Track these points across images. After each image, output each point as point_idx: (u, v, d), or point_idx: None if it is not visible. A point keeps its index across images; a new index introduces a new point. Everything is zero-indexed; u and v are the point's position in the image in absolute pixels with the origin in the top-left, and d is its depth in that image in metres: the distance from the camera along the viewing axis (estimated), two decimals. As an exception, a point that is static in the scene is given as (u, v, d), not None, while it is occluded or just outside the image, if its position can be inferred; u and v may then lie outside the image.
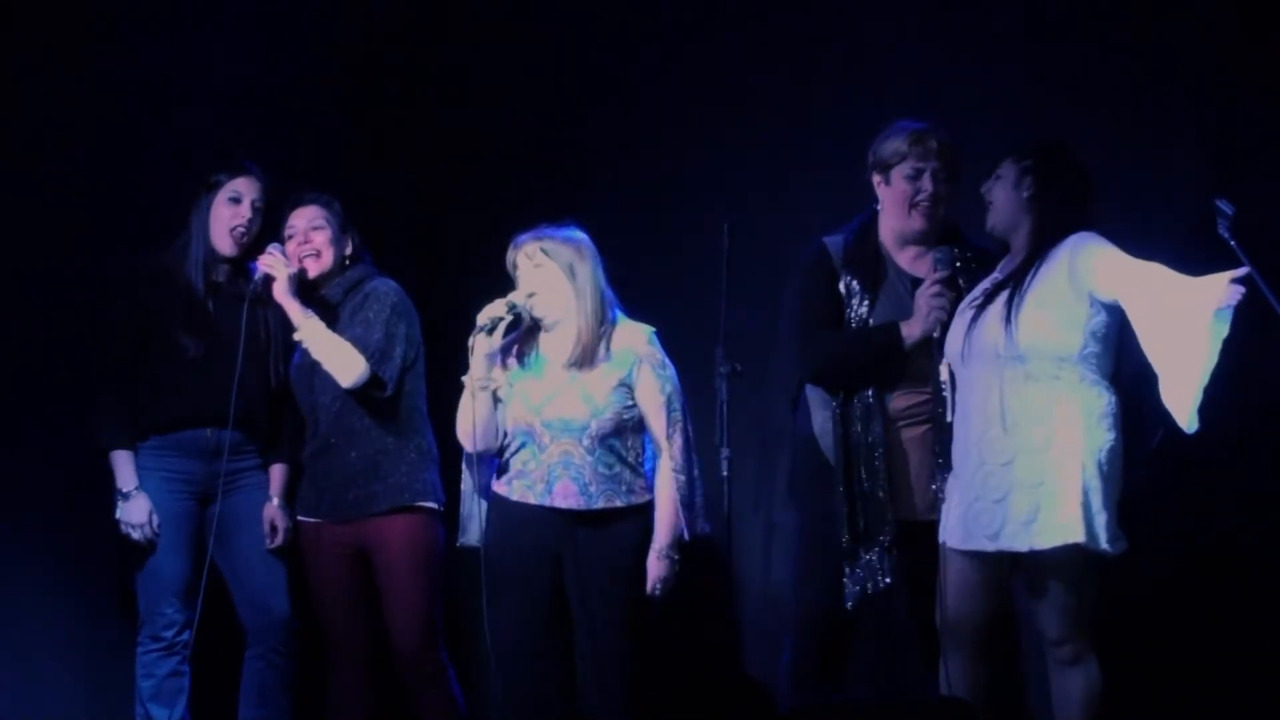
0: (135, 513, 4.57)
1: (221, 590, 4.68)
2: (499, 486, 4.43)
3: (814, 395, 4.46)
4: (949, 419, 4.20)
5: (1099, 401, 4.03)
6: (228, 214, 4.68)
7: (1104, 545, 3.97)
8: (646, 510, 4.36)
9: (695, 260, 4.95)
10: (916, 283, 4.37)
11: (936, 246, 4.38)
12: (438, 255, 5.48)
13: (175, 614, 4.60)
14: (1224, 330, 3.82)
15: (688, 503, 4.35)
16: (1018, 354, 4.05)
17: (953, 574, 4.14)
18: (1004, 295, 4.11)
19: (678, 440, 4.35)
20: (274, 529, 4.70)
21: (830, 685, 4.39)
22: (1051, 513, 3.97)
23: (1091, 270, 4.01)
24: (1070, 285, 4.04)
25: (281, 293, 4.58)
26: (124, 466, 4.59)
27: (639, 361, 4.36)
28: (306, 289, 4.67)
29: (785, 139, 5.18)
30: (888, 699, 4.40)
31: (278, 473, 4.74)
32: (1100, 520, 3.97)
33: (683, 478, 4.34)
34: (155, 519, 4.58)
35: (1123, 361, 4.10)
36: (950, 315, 4.25)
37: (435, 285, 5.18)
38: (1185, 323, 3.83)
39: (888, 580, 4.30)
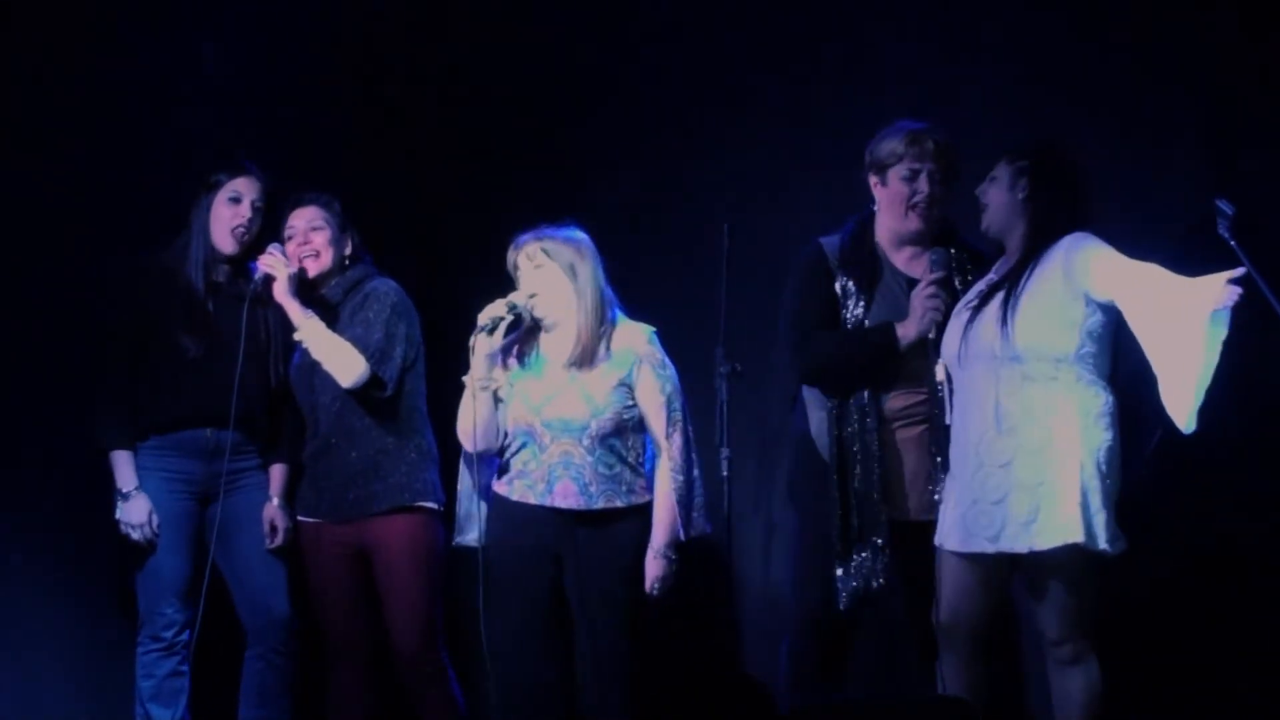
0: (135, 513, 4.57)
1: (222, 590, 4.68)
2: (499, 486, 4.43)
3: (810, 395, 4.47)
4: (947, 421, 4.21)
5: (1096, 401, 4.03)
6: (228, 214, 4.68)
7: (1103, 545, 3.98)
8: (647, 510, 4.36)
9: (695, 260, 4.95)
10: (912, 283, 4.37)
11: (932, 247, 4.38)
12: (438, 255, 5.48)
13: (175, 614, 4.60)
14: (1222, 332, 3.82)
15: (686, 503, 4.35)
16: (1014, 355, 4.05)
17: (950, 575, 4.14)
18: (1000, 296, 4.12)
19: (677, 440, 4.35)
20: (274, 529, 4.70)
21: (829, 685, 4.39)
22: (1051, 513, 3.97)
23: (1087, 271, 4.01)
24: (1066, 286, 4.04)
25: (281, 293, 4.59)
26: (124, 466, 4.59)
27: (639, 361, 4.36)
28: (306, 289, 4.67)
29: (785, 139, 5.18)
30: (888, 699, 4.39)
31: (278, 473, 4.74)
32: (1099, 520, 3.97)
33: (681, 478, 4.34)
34: (155, 519, 4.58)
35: (1120, 361, 4.10)
36: (946, 316, 4.26)
37: (435, 285, 5.18)
38: (1182, 324, 3.83)
39: (881, 581, 4.29)
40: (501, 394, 4.40)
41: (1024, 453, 4.02)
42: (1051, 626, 4.10)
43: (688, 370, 4.46)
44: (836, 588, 4.32)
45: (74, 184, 4.86)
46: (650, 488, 4.38)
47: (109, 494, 4.60)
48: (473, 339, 4.34)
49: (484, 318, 4.33)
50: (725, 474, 4.38)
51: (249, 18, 5.24)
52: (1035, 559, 4.03)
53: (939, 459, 4.28)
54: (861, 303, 4.40)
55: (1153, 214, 4.61)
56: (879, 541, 4.30)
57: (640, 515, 4.35)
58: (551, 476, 4.34)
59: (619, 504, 4.34)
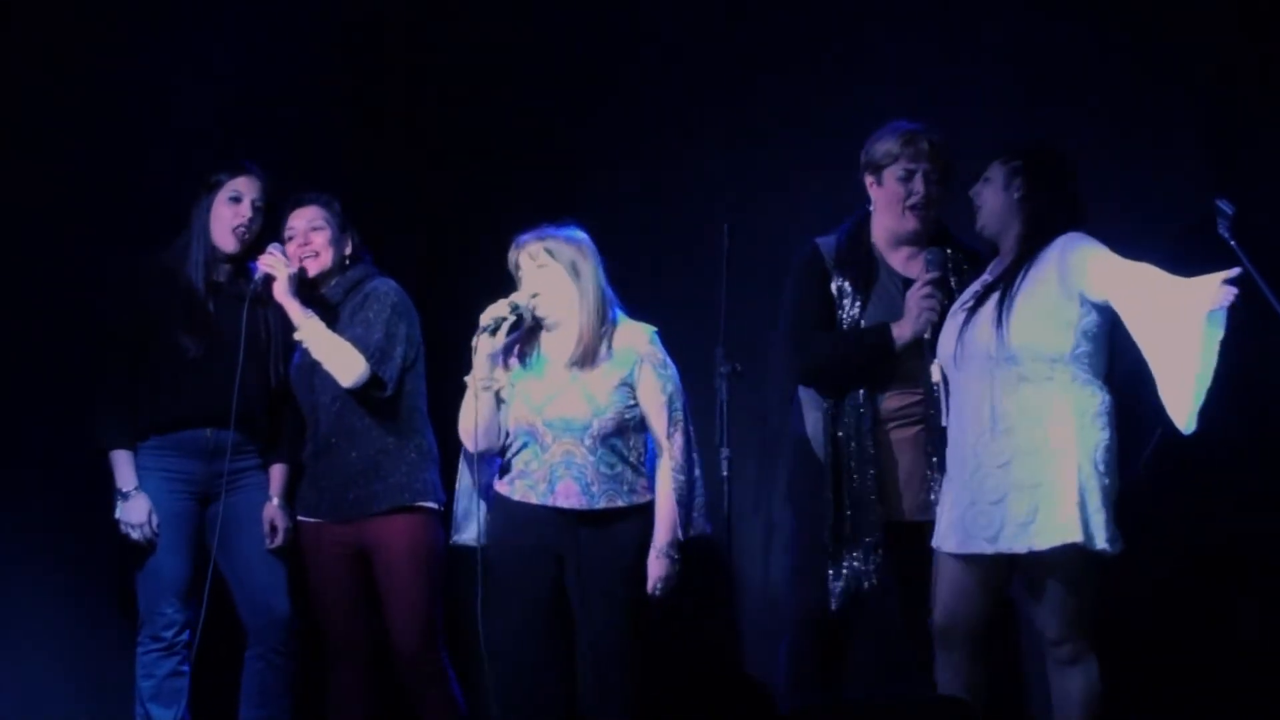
0: (135, 513, 4.57)
1: (222, 590, 4.68)
2: (501, 486, 4.43)
3: (806, 396, 4.47)
4: (943, 422, 4.21)
5: (1092, 401, 4.03)
6: (229, 213, 4.68)
7: (1101, 545, 3.97)
8: (648, 510, 4.36)
9: (695, 260, 4.95)
10: (909, 284, 4.37)
11: (928, 247, 4.38)
12: (438, 255, 5.48)
13: (175, 614, 4.60)
14: (1219, 332, 3.81)
15: (687, 502, 4.35)
16: (1010, 355, 4.05)
17: (948, 577, 4.14)
18: (995, 297, 4.12)
19: (678, 440, 4.35)
20: (274, 529, 4.70)
21: (829, 685, 4.39)
22: (1049, 513, 3.97)
23: (1083, 271, 4.01)
24: (1061, 286, 4.04)
25: (282, 292, 4.59)
26: (124, 466, 4.59)
27: (640, 361, 4.36)
28: (307, 289, 4.67)
29: (785, 139, 5.18)
30: (888, 699, 4.39)
31: (278, 473, 4.74)
32: (1097, 520, 3.97)
33: (682, 477, 4.34)
34: (155, 519, 4.58)
35: (1117, 361, 4.10)
36: (941, 316, 4.26)
37: (435, 285, 5.18)
38: (1178, 325, 3.83)
39: (874, 581, 4.29)
40: (503, 394, 4.40)
41: (1021, 453, 4.02)
42: (1051, 627, 4.10)
43: (688, 370, 4.46)
44: (827, 588, 4.32)
45: (74, 184, 4.86)
46: (652, 487, 4.38)
47: (109, 494, 4.60)
48: (475, 339, 4.34)
49: (486, 318, 4.33)
50: (725, 474, 4.39)
51: (249, 18, 5.24)
52: (1034, 559, 4.03)
53: (935, 459, 4.28)
54: (858, 303, 4.39)
55: (1153, 214, 4.62)
56: (871, 542, 4.29)
57: (642, 515, 4.35)
58: (553, 476, 4.34)
59: (621, 504, 4.34)
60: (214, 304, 4.68)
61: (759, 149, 5.21)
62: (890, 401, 4.36)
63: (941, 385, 4.23)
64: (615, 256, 4.48)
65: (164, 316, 4.63)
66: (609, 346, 4.37)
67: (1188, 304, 3.82)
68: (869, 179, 4.45)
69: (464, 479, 4.51)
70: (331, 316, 4.65)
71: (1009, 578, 4.19)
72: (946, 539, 4.13)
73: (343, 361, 4.56)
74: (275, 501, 4.71)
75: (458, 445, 4.50)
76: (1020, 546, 4.01)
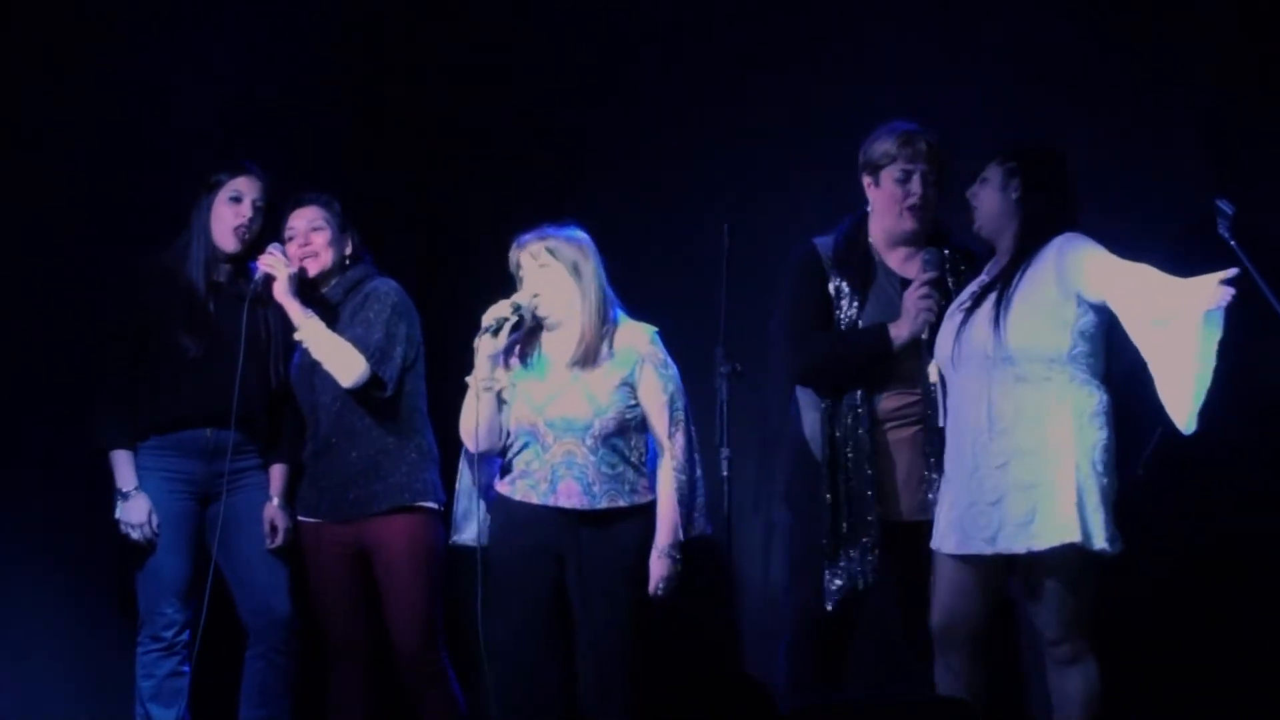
0: (135, 512, 4.57)
1: (222, 590, 4.68)
2: (502, 486, 4.43)
3: (804, 396, 4.46)
4: (940, 423, 4.21)
5: (1090, 401, 4.03)
6: (229, 213, 4.68)
7: (1100, 545, 3.97)
8: (649, 510, 4.36)
9: (695, 260, 4.95)
10: (906, 284, 4.37)
11: (925, 248, 4.38)
12: (438, 255, 5.48)
13: (175, 614, 4.60)
14: (1216, 333, 3.81)
15: (688, 502, 4.35)
16: (1007, 356, 4.05)
17: (947, 578, 4.14)
18: (992, 298, 4.12)
19: (680, 440, 4.35)
20: (274, 529, 4.70)
21: (828, 685, 4.39)
22: (1047, 513, 3.97)
23: (1080, 271, 4.01)
24: (1057, 286, 4.04)
25: (282, 292, 4.59)
26: (124, 466, 4.59)
27: (641, 361, 4.36)
28: (307, 289, 4.67)
29: (785, 139, 5.18)
30: (888, 699, 4.39)
31: (278, 473, 4.74)
32: (1096, 519, 3.97)
33: (684, 477, 4.35)
34: (155, 519, 4.58)
35: (1116, 360, 4.10)
36: (939, 316, 4.26)
37: (435, 285, 5.18)
38: (1175, 326, 3.83)
39: (870, 580, 4.29)
40: (505, 395, 4.40)
41: (1019, 454, 4.02)
42: (1050, 627, 4.10)
43: (688, 370, 4.46)
44: (824, 587, 4.32)
45: (74, 184, 4.86)
46: (653, 487, 4.38)
47: (109, 494, 4.60)
48: (477, 340, 4.34)
49: (488, 319, 4.33)
50: (725, 474, 4.39)
51: (249, 18, 5.24)
52: (1033, 559, 4.03)
53: (932, 460, 4.28)
54: (855, 303, 4.39)
55: (1153, 214, 4.62)
56: (868, 542, 4.29)
57: (643, 515, 4.35)
58: (555, 476, 4.34)
59: (622, 503, 4.34)
60: (214, 304, 4.68)
61: (759, 149, 5.21)
62: (888, 402, 4.36)
63: (939, 386, 4.24)
64: (615, 256, 4.48)
65: (164, 316, 4.63)
66: (610, 346, 4.37)
67: (1184, 305, 3.82)
68: (866, 179, 4.45)
69: (464, 479, 4.51)
70: (332, 317, 4.65)
71: (1008, 578, 4.19)
72: (945, 540, 4.13)
73: (343, 361, 4.56)
74: (275, 501, 4.71)
75: (458, 445, 4.49)
76: (1019, 547, 4.01)
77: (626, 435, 4.36)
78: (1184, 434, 3.88)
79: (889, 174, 4.39)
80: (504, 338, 4.36)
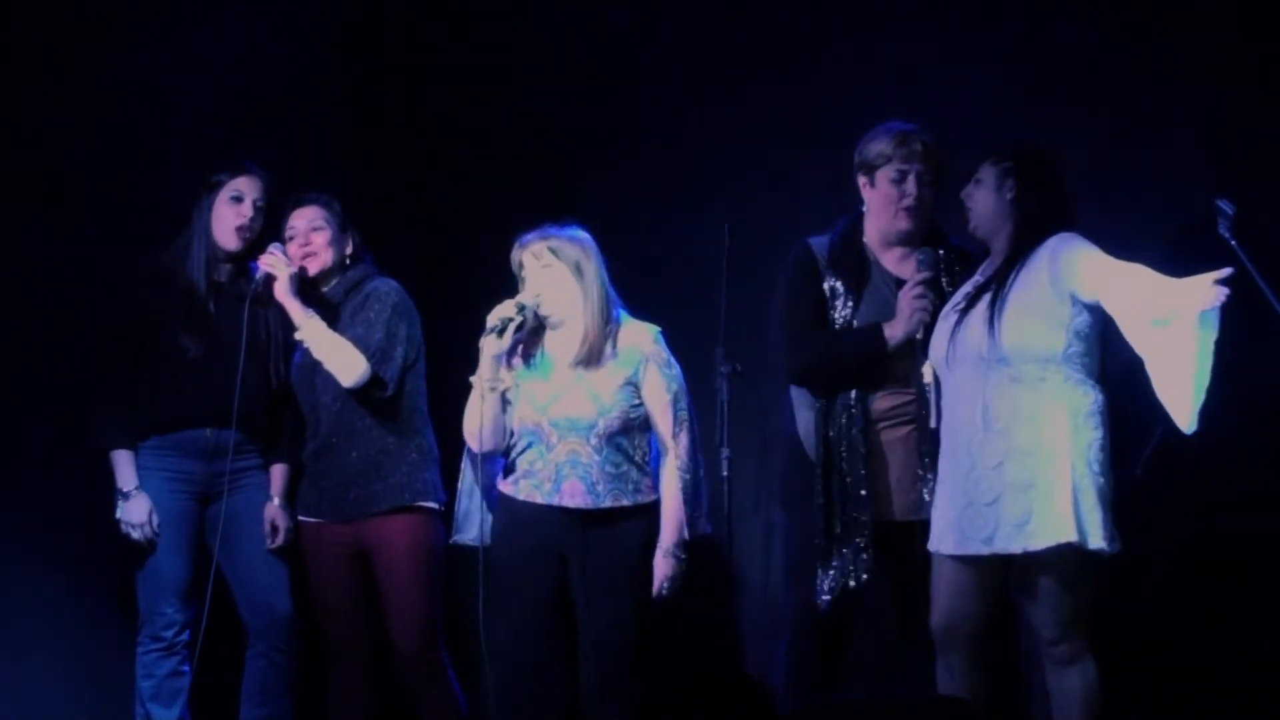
0: (135, 512, 4.57)
1: (223, 590, 4.68)
2: (505, 486, 4.43)
3: (798, 395, 4.46)
4: (934, 424, 4.20)
5: (1085, 400, 4.03)
6: (230, 213, 4.68)
7: (1097, 544, 3.97)
8: (653, 509, 4.35)
9: (695, 260, 4.95)
10: (901, 284, 4.37)
11: (920, 248, 4.38)
12: (438, 255, 5.48)
13: (175, 614, 4.60)
14: (1212, 333, 3.80)
15: (692, 502, 4.35)
16: (1002, 356, 4.05)
17: (946, 579, 4.14)
18: (986, 298, 4.12)
19: (683, 439, 4.36)
20: (275, 529, 4.70)
21: (828, 685, 4.39)
22: (1044, 513, 3.97)
23: (1074, 271, 4.01)
24: (1052, 286, 4.04)
25: (282, 292, 4.59)
26: (124, 466, 4.59)
27: (645, 360, 4.36)
28: (307, 289, 4.67)
29: (785, 139, 5.18)
30: (888, 699, 4.39)
31: (278, 472, 4.74)
32: (1092, 519, 3.97)
33: (688, 477, 4.35)
34: (155, 519, 4.58)
35: (1111, 360, 4.10)
36: (933, 316, 4.26)
37: (435, 285, 5.18)
38: (1170, 327, 3.82)
39: (863, 579, 4.29)
40: (509, 395, 4.40)
41: (1015, 454, 4.02)
42: (1048, 626, 4.10)
43: (688, 370, 4.46)
44: (817, 587, 4.32)
45: (74, 184, 4.86)
46: (656, 487, 4.38)
47: (109, 494, 4.60)
48: (482, 340, 4.34)
49: (493, 319, 4.32)
50: (725, 474, 4.39)
51: (249, 18, 5.24)
52: (1030, 559, 4.03)
53: (926, 459, 4.28)
54: (850, 303, 4.39)
55: (1153, 214, 4.62)
56: (862, 542, 4.29)
57: (646, 514, 4.35)
58: (559, 476, 4.34)
59: (626, 503, 4.34)
60: (215, 304, 4.68)
61: (759, 149, 5.21)
62: (882, 402, 4.36)
63: (933, 386, 4.23)
64: (615, 256, 4.48)
65: (164, 316, 4.63)
66: (613, 346, 4.37)
67: (1179, 305, 3.82)
68: (862, 179, 4.45)
69: (465, 478, 4.51)
70: (332, 316, 4.65)
71: (1006, 578, 4.19)
72: (943, 540, 4.13)
73: (343, 361, 4.56)
74: (276, 501, 4.71)
75: (458, 445, 4.49)
76: (1016, 547, 4.01)
77: (630, 435, 4.36)
78: (1185, 434, 3.88)
79: (884, 174, 4.39)
80: (509, 338, 4.35)
